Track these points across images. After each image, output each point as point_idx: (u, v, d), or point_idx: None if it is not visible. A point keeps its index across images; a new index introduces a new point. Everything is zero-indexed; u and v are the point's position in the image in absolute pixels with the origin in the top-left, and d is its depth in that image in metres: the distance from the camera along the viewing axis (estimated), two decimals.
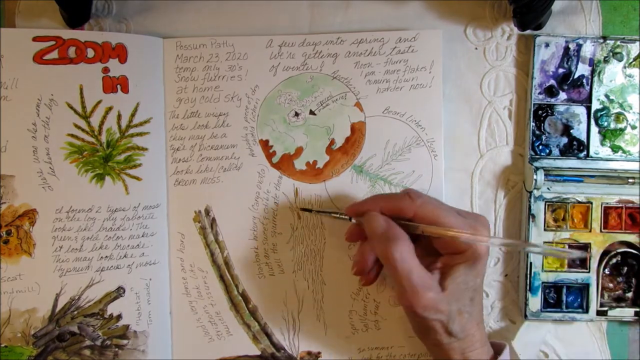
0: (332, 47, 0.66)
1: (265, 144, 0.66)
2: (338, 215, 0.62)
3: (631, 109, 0.66)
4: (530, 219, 0.66)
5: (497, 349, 0.59)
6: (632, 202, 0.66)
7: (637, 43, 0.65)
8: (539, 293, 0.66)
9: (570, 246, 0.66)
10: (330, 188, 0.66)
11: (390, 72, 0.66)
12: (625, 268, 0.67)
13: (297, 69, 0.66)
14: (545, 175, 0.64)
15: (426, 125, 0.66)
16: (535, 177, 0.63)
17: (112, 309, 0.64)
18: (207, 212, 0.66)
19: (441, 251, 0.56)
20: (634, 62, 0.65)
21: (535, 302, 0.66)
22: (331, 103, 0.66)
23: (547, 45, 0.66)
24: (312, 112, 0.66)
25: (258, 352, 0.67)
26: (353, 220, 0.60)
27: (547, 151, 0.66)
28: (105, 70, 0.63)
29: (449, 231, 0.54)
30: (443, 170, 0.66)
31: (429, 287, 0.52)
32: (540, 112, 0.66)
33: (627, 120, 0.66)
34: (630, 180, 0.65)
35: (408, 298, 0.52)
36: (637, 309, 0.67)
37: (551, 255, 0.65)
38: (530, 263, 0.65)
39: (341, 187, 0.66)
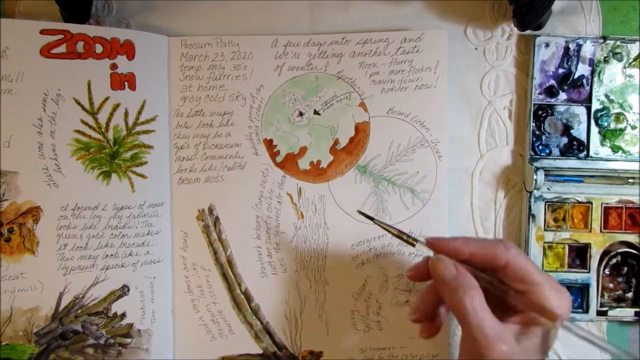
0: (337, 47, 0.66)
1: (269, 144, 0.66)
2: (405, 238, 0.55)
3: (631, 109, 0.66)
4: (530, 219, 0.66)
5: None
6: (632, 202, 0.66)
7: (637, 43, 0.66)
8: None
9: (570, 246, 0.67)
10: (333, 188, 0.66)
11: (395, 73, 0.66)
12: (625, 268, 0.68)
13: (302, 69, 0.66)
14: (545, 175, 0.64)
15: (431, 126, 0.66)
16: (535, 177, 0.64)
17: (116, 307, 0.63)
18: (211, 210, 0.66)
19: (523, 307, 0.51)
20: (634, 62, 0.66)
21: None
22: (335, 103, 0.66)
23: (547, 45, 0.66)
24: (316, 112, 0.66)
25: (260, 351, 0.67)
26: (421, 251, 0.54)
27: (547, 151, 0.67)
28: (114, 66, 0.63)
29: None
30: (447, 171, 0.66)
31: (503, 340, 0.49)
32: (540, 112, 0.67)
33: (627, 120, 0.66)
34: (630, 180, 0.66)
35: (480, 350, 0.48)
36: (637, 309, 0.67)
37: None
38: None
39: (345, 187, 0.66)
